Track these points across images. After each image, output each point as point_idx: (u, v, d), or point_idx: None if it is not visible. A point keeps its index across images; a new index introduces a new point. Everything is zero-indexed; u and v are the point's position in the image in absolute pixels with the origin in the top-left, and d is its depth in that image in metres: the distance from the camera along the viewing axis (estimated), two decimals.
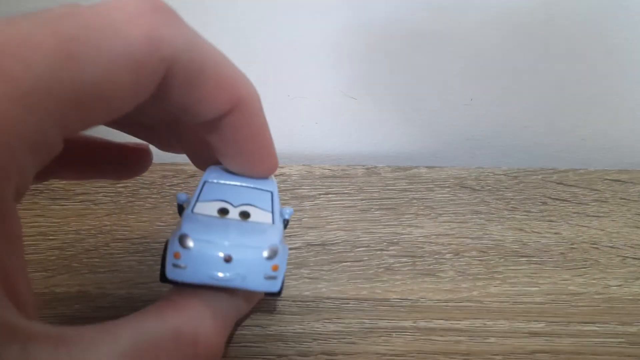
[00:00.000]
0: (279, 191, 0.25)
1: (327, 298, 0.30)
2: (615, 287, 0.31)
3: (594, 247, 0.33)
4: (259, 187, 0.23)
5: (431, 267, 0.32)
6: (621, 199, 0.36)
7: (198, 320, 0.19)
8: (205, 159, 0.24)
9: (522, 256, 0.32)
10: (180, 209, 0.23)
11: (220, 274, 0.19)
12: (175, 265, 0.19)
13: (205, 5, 0.35)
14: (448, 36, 0.36)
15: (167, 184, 0.35)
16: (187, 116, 0.20)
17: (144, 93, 0.17)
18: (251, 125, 0.21)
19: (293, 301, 0.30)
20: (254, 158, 0.22)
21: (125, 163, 0.25)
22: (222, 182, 0.22)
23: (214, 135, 0.21)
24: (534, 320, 0.29)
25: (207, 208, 0.21)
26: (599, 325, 0.29)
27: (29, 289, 0.16)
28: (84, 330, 0.15)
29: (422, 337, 0.29)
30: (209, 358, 0.18)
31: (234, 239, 0.20)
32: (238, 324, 0.29)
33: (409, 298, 0.30)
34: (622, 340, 0.29)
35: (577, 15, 0.35)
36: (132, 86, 0.17)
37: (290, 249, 0.32)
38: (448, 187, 0.36)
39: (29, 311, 0.15)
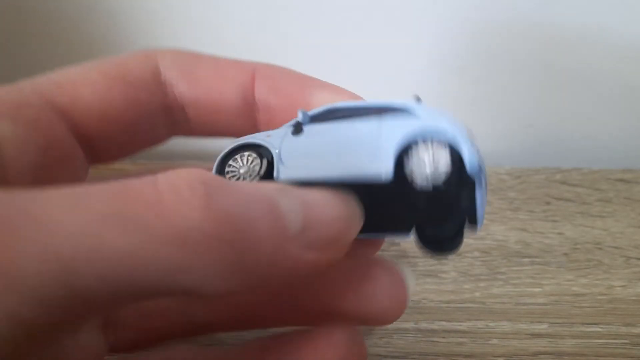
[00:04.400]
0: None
1: None
2: (619, 288, 0.31)
3: (597, 248, 0.33)
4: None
5: (433, 267, 0.32)
6: (625, 198, 0.35)
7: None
8: None
9: (525, 257, 0.32)
10: None
11: None
12: None
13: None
14: (450, 34, 0.36)
15: None
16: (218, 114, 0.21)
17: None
18: (281, 80, 0.21)
19: None
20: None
21: None
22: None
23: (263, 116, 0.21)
24: (537, 322, 0.29)
25: None
26: (602, 326, 0.29)
27: None
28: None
29: (423, 339, 0.28)
30: None
31: None
32: None
33: (411, 299, 0.30)
34: (626, 341, 0.28)
35: (581, 15, 0.35)
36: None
37: None
38: None
39: None
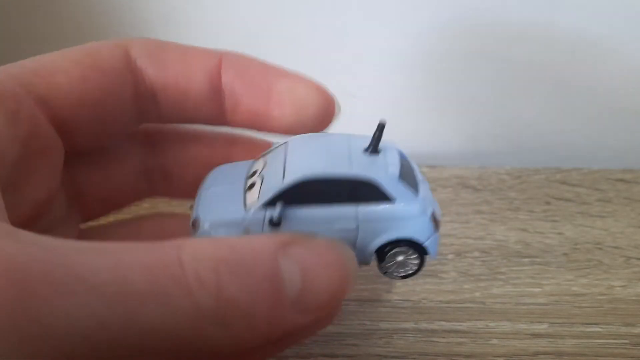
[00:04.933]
0: None
1: None
2: (619, 288, 0.31)
3: (597, 248, 0.33)
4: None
5: (433, 267, 0.32)
6: (625, 198, 0.35)
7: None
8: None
9: (525, 257, 0.32)
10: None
11: None
12: None
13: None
14: (449, 34, 0.36)
15: None
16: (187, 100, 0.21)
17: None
18: (246, 67, 0.21)
19: None
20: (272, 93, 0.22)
21: None
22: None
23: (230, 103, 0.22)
24: (537, 322, 0.29)
25: None
26: (602, 327, 0.29)
27: None
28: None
29: (423, 339, 0.28)
30: None
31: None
32: None
33: (411, 299, 0.30)
34: (626, 341, 0.28)
35: (579, 17, 0.35)
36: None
37: None
38: (450, 187, 0.36)
39: None
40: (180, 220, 0.24)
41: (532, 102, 0.39)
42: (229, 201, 0.20)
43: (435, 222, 0.20)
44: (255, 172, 0.20)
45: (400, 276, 0.21)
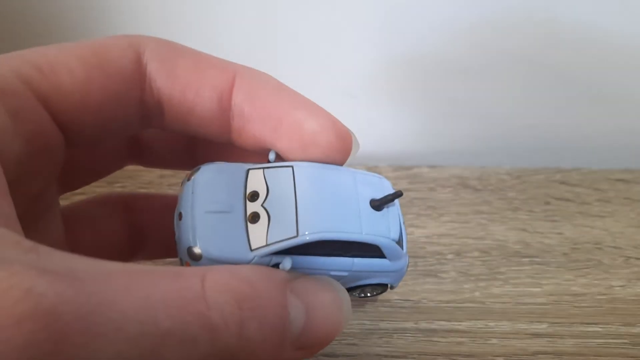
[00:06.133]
0: None
1: None
2: (618, 288, 0.31)
3: (597, 248, 0.33)
4: None
5: (433, 267, 0.32)
6: (625, 198, 0.35)
7: None
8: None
9: (525, 256, 0.32)
10: None
11: None
12: None
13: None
14: (449, 33, 0.36)
15: (166, 184, 0.35)
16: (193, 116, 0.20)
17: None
18: (259, 89, 0.20)
19: None
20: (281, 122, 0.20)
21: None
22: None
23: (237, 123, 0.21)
24: (537, 321, 0.29)
25: None
26: (602, 326, 0.29)
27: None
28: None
29: (423, 339, 0.28)
30: None
31: None
32: None
33: (411, 299, 0.30)
34: (625, 341, 0.28)
35: (582, 14, 0.35)
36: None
37: None
38: (450, 186, 0.36)
39: None
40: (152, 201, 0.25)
41: (533, 101, 0.39)
42: (230, 233, 0.19)
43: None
44: (255, 195, 0.20)
45: (358, 296, 0.22)
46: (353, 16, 0.36)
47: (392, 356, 0.28)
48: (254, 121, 0.20)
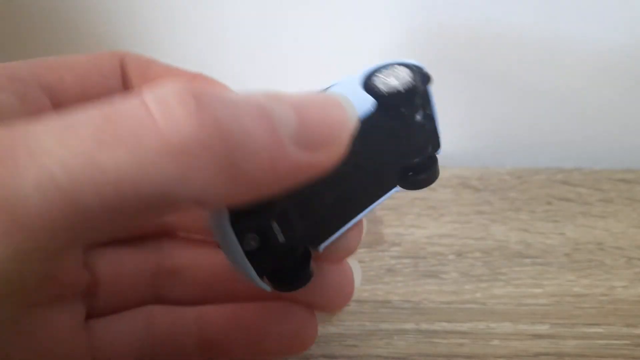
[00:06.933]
0: None
1: None
2: (620, 289, 0.31)
3: (599, 248, 0.32)
4: None
5: (434, 268, 0.31)
6: (627, 198, 0.35)
7: None
8: None
9: (526, 257, 0.32)
10: None
11: None
12: None
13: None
14: (449, 31, 0.36)
15: None
16: None
17: None
18: None
19: None
20: None
21: None
22: None
23: None
24: (538, 322, 0.29)
25: None
26: (604, 327, 0.29)
27: None
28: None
29: (424, 340, 0.28)
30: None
31: None
32: None
33: (411, 300, 0.30)
34: (628, 342, 0.28)
35: (580, 15, 0.35)
36: None
37: None
38: (451, 187, 0.36)
39: None
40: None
41: (533, 101, 0.39)
42: None
43: None
44: None
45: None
46: (353, 16, 0.35)
47: (393, 357, 0.27)
48: None
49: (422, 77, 0.19)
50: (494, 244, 0.33)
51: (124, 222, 0.14)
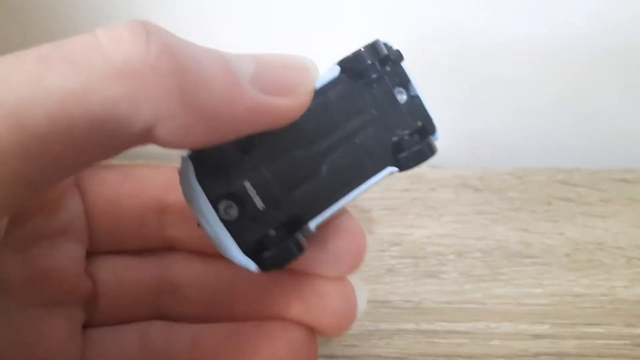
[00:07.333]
0: None
1: None
2: (620, 289, 0.30)
3: (599, 248, 0.32)
4: None
5: (434, 268, 0.31)
6: (627, 198, 0.35)
7: None
8: None
9: (527, 257, 0.32)
10: None
11: None
12: None
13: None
14: (448, 31, 0.36)
15: None
16: None
17: None
18: None
19: None
20: None
21: None
22: None
23: None
24: (539, 322, 0.29)
25: None
26: (604, 327, 0.29)
27: None
28: None
29: (424, 340, 0.28)
30: None
31: None
32: None
33: (411, 300, 0.30)
34: (628, 342, 0.28)
35: (580, 15, 0.35)
36: None
37: None
38: (451, 187, 0.36)
39: None
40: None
41: (533, 101, 0.39)
42: None
43: None
44: None
45: None
46: (353, 16, 0.35)
47: (393, 357, 0.28)
48: None
49: (391, 52, 0.20)
50: (494, 244, 0.33)
51: (78, 150, 0.14)
